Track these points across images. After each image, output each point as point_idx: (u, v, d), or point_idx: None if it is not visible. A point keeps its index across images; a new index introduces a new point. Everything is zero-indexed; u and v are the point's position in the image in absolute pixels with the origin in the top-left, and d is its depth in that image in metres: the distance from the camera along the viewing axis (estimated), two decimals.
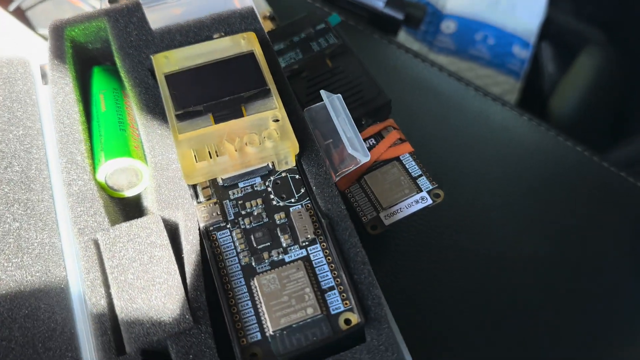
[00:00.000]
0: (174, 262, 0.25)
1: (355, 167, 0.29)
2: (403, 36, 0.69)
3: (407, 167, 0.33)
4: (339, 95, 0.30)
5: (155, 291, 0.24)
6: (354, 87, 0.34)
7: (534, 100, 0.68)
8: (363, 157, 0.28)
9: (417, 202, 0.32)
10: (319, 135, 0.30)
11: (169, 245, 0.25)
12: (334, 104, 0.29)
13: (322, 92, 0.29)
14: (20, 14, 0.59)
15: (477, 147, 0.40)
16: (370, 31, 0.46)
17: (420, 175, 0.32)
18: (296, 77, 0.35)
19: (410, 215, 0.32)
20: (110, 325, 0.24)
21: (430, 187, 0.32)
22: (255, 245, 0.25)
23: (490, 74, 0.68)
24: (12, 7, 0.57)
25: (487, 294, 0.35)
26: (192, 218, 0.26)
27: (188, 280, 0.25)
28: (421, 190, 0.32)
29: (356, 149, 0.28)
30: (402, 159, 0.33)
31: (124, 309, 0.24)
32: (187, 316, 0.23)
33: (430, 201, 0.32)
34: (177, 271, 0.24)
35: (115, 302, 0.24)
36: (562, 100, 0.68)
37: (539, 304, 0.35)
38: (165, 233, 0.25)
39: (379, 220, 0.32)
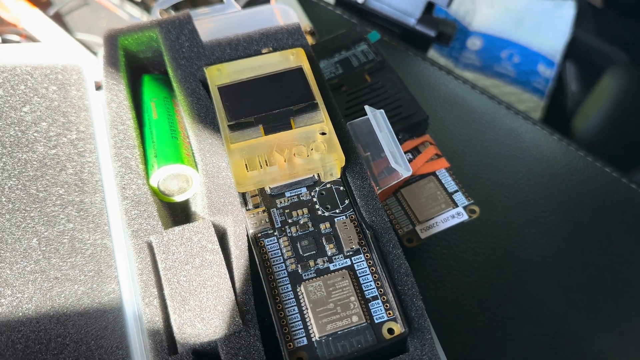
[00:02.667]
0: (224, 266, 0.26)
1: (396, 181, 0.30)
2: (429, 52, 0.70)
3: (443, 182, 0.34)
4: (382, 110, 0.31)
5: (206, 294, 0.25)
6: (393, 103, 0.35)
7: (558, 119, 0.69)
8: (405, 172, 0.29)
9: (453, 217, 0.33)
10: (359, 149, 0.31)
11: (219, 249, 0.26)
12: (377, 119, 0.30)
13: (367, 107, 0.30)
14: (59, 19, 0.61)
15: (508, 165, 0.41)
16: (404, 47, 0.48)
17: (456, 191, 0.33)
18: (336, 91, 0.36)
19: (444, 230, 0.33)
20: (162, 326, 0.25)
21: (466, 203, 0.33)
22: (301, 253, 0.26)
23: (515, 92, 0.69)
24: (52, 11, 0.59)
25: (519, 308, 0.35)
26: (241, 224, 0.27)
27: (237, 285, 0.26)
28: (457, 206, 0.33)
29: (398, 164, 0.29)
30: (438, 174, 0.34)
31: (176, 310, 0.25)
32: (237, 319, 0.24)
33: (466, 217, 0.32)
34: (227, 275, 0.25)
35: (169, 302, 0.25)
36: (585, 120, 0.69)
37: (570, 319, 0.36)
38: (215, 238, 0.26)
39: (415, 234, 0.33)
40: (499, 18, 0.73)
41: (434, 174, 0.34)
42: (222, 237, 0.27)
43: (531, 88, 0.70)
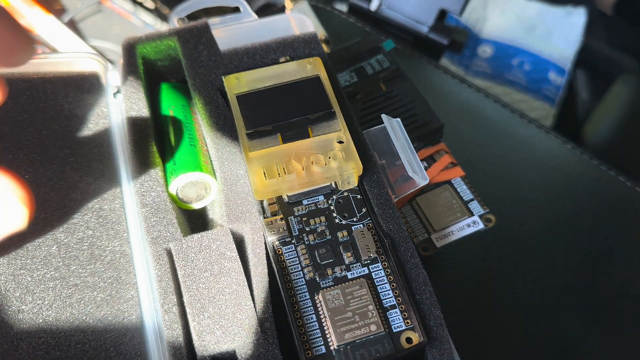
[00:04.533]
0: (243, 273, 0.26)
1: (412, 190, 0.30)
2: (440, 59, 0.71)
3: (459, 190, 0.34)
4: (398, 119, 0.31)
5: (224, 301, 0.25)
6: (408, 111, 0.35)
7: (569, 127, 0.69)
8: (422, 180, 0.29)
9: (468, 225, 0.33)
10: (375, 157, 0.31)
11: (238, 257, 0.26)
12: (394, 128, 0.30)
13: (383, 115, 0.30)
14: (72, 25, 0.61)
15: (522, 173, 0.41)
16: (417, 55, 0.48)
17: (471, 200, 0.33)
18: (350, 99, 0.37)
19: (460, 239, 0.33)
20: (181, 333, 0.25)
21: (482, 212, 0.33)
22: (319, 261, 0.26)
23: (526, 99, 0.69)
24: (66, 18, 0.60)
25: (534, 317, 0.35)
26: (259, 232, 0.27)
27: (255, 292, 0.26)
28: (473, 215, 0.33)
29: (415, 172, 0.29)
30: (453, 182, 0.34)
31: (195, 317, 0.25)
32: (255, 326, 0.25)
33: (482, 225, 0.32)
34: (246, 283, 0.26)
35: (188, 310, 0.25)
36: (596, 128, 0.69)
37: (584, 328, 0.35)
38: (234, 245, 0.26)
39: (431, 242, 0.33)
40: (509, 25, 0.73)
41: (449, 182, 0.34)
42: (239, 244, 0.27)
43: (542, 96, 0.70)
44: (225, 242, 0.27)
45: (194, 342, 0.24)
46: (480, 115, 0.44)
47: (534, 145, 0.43)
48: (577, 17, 0.74)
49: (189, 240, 0.26)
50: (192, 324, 0.25)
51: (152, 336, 0.26)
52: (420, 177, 0.29)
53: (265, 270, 0.26)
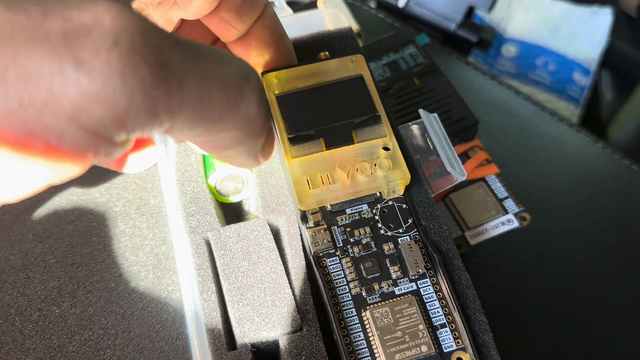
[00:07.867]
0: (281, 263, 0.26)
1: (448, 186, 0.30)
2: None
3: (493, 188, 0.34)
4: (435, 114, 0.31)
5: (264, 289, 0.25)
6: (443, 107, 0.35)
7: (593, 128, 0.68)
8: (460, 176, 0.29)
9: (503, 223, 0.32)
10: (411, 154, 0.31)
11: (275, 247, 0.26)
12: (431, 123, 0.30)
13: (421, 110, 0.30)
14: None
15: (553, 172, 0.41)
16: (447, 51, 0.48)
17: (506, 197, 0.33)
18: (384, 94, 0.37)
19: (494, 237, 0.32)
20: (220, 321, 0.25)
21: (517, 210, 0.33)
22: (365, 275, 0.25)
23: (550, 100, 0.69)
24: None
25: (567, 315, 0.35)
26: (294, 224, 0.27)
27: (294, 283, 0.26)
28: (507, 213, 0.33)
29: (453, 167, 0.29)
30: (487, 179, 0.34)
31: (235, 304, 0.25)
32: (296, 315, 0.25)
33: (517, 224, 0.32)
34: (284, 272, 0.26)
35: (227, 297, 0.25)
36: (621, 129, 0.68)
37: (617, 326, 0.35)
38: (271, 236, 0.27)
39: (464, 240, 0.32)
40: (534, 25, 0.73)
41: (483, 179, 0.34)
42: (275, 236, 0.27)
43: (566, 96, 0.69)
44: (263, 233, 0.27)
45: (233, 329, 0.25)
46: (510, 113, 0.44)
47: (565, 143, 0.43)
48: (603, 18, 0.73)
49: (227, 230, 0.27)
50: (231, 311, 0.25)
51: (192, 322, 0.27)
52: (458, 173, 0.29)
53: (303, 263, 0.26)
